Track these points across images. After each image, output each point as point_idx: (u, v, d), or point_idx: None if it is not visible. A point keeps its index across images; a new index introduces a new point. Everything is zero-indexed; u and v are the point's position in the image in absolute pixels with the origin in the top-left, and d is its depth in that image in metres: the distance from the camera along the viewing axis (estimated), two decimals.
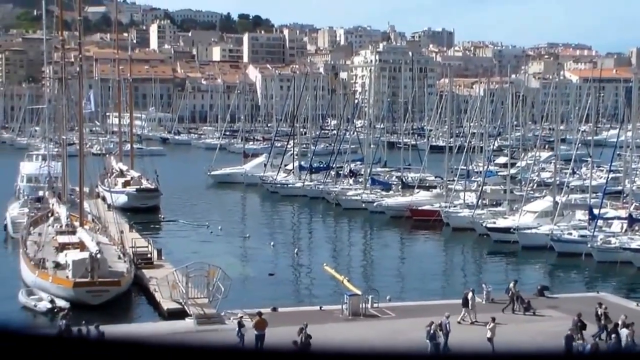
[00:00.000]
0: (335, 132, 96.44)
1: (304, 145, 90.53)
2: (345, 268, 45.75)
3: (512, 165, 71.39)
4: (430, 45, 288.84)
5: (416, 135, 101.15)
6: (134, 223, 53.38)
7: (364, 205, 66.05)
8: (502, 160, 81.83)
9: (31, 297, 36.11)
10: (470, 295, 31.98)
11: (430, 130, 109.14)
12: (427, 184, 70.80)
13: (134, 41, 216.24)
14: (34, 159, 69.99)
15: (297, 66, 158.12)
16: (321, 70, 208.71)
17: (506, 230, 52.27)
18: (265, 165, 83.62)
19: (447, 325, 28.10)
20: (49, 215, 48.83)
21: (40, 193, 56.47)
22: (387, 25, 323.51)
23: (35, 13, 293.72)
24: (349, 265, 48.41)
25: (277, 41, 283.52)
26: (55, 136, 61.16)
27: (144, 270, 39.47)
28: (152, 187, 69.42)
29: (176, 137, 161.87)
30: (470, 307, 31.58)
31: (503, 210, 58.27)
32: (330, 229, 63.97)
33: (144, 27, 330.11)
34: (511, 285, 34.29)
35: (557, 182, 58.16)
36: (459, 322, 30.70)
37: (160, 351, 3.93)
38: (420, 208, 61.84)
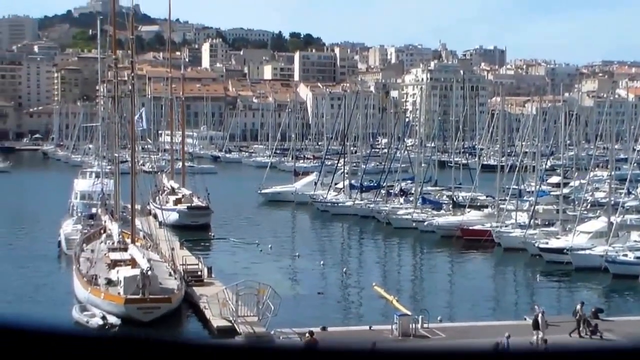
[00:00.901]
0: (385, 150, 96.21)
1: (355, 164, 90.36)
2: (395, 288, 45.42)
3: (565, 184, 70.34)
4: (482, 64, 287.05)
5: (467, 154, 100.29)
6: (185, 240, 53.63)
7: (414, 224, 65.57)
8: (554, 179, 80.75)
9: (84, 313, 36.42)
10: (540, 316, 31.35)
11: (482, 149, 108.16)
12: (479, 204, 70.08)
13: (187, 60, 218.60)
14: (87, 176, 70.85)
15: (347, 84, 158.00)
16: (372, 88, 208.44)
17: (559, 251, 51.44)
18: (315, 183, 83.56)
19: (507, 345, 27.61)
20: (102, 232, 49.33)
21: (93, 210, 57.03)
22: (439, 43, 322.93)
23: (90, 33, 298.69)
24: (399, 285, 48.06)
25: (328, 60, 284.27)
26: (108, 154, 61.90)
27: (194, 288, 39.61)
28: (203, 205, 69.77)
29: (227, 155, 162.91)
30: (540, 329, 30.94)
31: (556, 231, 57.35)
32: (380, 248, 63.64)
33: (197, 46, 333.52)
34: (578, 307, 33.30)
35: (612, 202, 57.15)
36: (531, 344, 30.02)
37: (161, 349, 3.90)
38: (471, 228, 61.17)
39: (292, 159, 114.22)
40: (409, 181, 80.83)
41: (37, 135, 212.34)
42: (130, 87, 51.13)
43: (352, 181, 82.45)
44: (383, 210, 70.92)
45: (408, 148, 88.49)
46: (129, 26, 50.26)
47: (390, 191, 76.94)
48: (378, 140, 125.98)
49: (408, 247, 63.65)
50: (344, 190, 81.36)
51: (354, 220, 73.16)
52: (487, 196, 73.30)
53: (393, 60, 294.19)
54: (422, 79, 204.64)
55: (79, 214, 58.47)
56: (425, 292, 46.97)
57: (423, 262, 58.94)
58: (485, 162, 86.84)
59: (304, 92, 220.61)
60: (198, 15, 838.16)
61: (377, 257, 60.21)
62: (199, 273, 42.23)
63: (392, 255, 61.71)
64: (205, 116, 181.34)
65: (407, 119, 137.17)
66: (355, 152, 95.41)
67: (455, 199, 71.25)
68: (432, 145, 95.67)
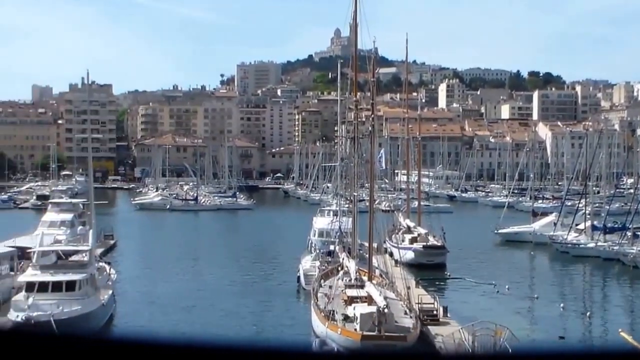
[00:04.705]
0: (631, 191, 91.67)
1: (597, 205, 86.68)
2: None
3: None
4: None
5: None
6: (421, 279, 53.45)
7: None
8: None
9: (323, 348, 37.10)
10: None
11: None
12: None
13: (423, 100, 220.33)
14: (325, 214, 72.70)
15: (590, 123, 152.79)
16: (616, 126, 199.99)
17: None
18: (555, 224, 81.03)
19: None
20: (339, 269, 50.20)
21: (331, 247, 58.22)
22: None
23: (330, 76, 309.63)
24: None
25: (569, 98, 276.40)
26: (346, 192, 63.18)
27: (429, 327, 39.30)
28: (439, 244, 69.44)
29: (463, 194, 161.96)
30: None
31: None
32: (626, 293, 60.12)
33: (433, 87, 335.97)
34: None
35: None
36: None
37: (161, 350, 3.79)
38: None
39: (530, 198, 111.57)
40: None
41: (278, 174, 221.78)
42: (369, 128, 51.92)
43: (595, 222, 79.06)
44: (629, 252, 67.27)
45: None
46: (370, 69, 51.29)
47: (637, 233, 72.94)
48: (623, 180, 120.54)
49: None
50: (585, 232, 78.12)
51: (596, 262, 69.97)
52: None
53: (639, 97, 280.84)
54: None
55: (318, 251, 59.95)
56: None
57: None
58: None
59: (543, 131, 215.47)
60: (435, 56, 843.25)
61: (622, 301, 56.94)
62: (435, 312, 41.87)
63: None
64: (442, 156, 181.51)
65: None
66: (598, 192, 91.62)
67: None
68: None
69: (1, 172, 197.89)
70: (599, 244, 72.54)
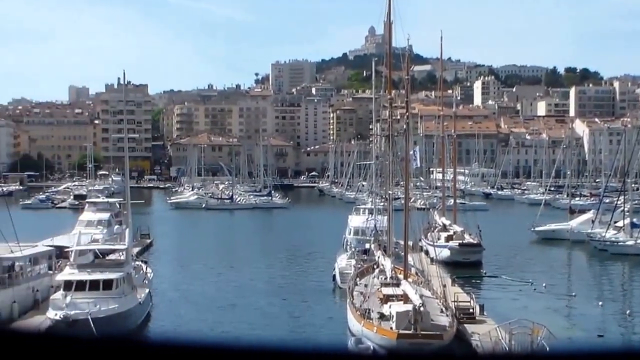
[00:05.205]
0: None
1: (636, 202, 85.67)
2: None
3: None
4: None
5: None
6: (456, 277, 53.16)
7: None
8: None
9: (359, 346, 37.00)
10: None
11: None
12: None
13: (458, 98, 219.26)
14: (361, 212, 72.55)
15: (628, 119, 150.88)
16: None
17: None
18: (592, 221, 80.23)
19: None
20: (375, 267, 50.07)
21: (367, 245, 58.13)
22: None
23: (364, 74, 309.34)
24: None
25: (607, 94, 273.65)
26: (382, 191, 63.01)
27: (465, 325, 39.08)
28: (475, 242, 69.04)
29: (499, 192, 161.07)
30: None
31: None
32: None
33: (468, 84, 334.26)
34: None
35: None
36: None
37: (159, 350, 3.76)
38: None
39: (567, 196, 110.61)
40: None
41: (313, 173, 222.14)
42: (404, 126, 51.73)
43: (634, 219, 78.15)
44: None
45: None
46: (405, 67, 51.10)
47: None
48: None
49: None
50: (624, 229, 77.25)
51: (635, 260, 69.11)
52: None
53: None
54: None
55: (353, 249, 59.86)
56: None
57: None
58: None
59: (580, 127, 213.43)
60: (470, 53, 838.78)
61: None
62: (471, 310, 41.63)
63: None
64: (477, 153, 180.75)
65: None
66: (637, 189, 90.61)
67: None
68: None
69: (39, 172, 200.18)
70: (638, 241, 71.72)
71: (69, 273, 41.81)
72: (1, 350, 3.64)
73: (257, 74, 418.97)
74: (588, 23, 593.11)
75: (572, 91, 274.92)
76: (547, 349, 31.79)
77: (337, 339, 38.87)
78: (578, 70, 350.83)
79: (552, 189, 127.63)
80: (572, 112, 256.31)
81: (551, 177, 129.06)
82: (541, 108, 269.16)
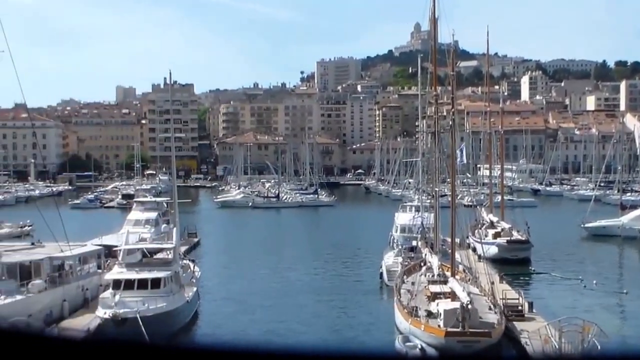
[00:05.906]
0: None
1: None
2: None
3: None
4: None
5: None
6: (505, 274, 52.66)
7: None
8: None
9: (406, 344, 36.79)
10: None
11: None
12: None
13: (505, 93, 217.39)
14: (407, 210, 72.22)
15: None
16: None
17: None
18: None
19: None
20: (422, 264, 49.82)
21: (414, 243, 57.87)
22: None
23: (410, 70, 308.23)
24: None
25: None
26: (428, 188, 62.65)
27: (514, 323, 38.66)
28: (523, 238, 68.32)
29: (547, 188, 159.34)
30: None
31: None
32: None
33: (515, 79, 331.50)
34: None
35: None
36: None
37: (158, 352, 3.70)
38: None
39: (618, 191, 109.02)
40: None
41: (359, 171, 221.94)
42: (450, 122, 51.39)
43: None
44: None
45: None
46: (450, 63, 50.69)
47: None
48: None
49: None
50: None
51: None
52: None
53: None
54: None
55: (400, 247, 59.63)
56: None
57: None
58: None
59: (631, 122, 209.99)
60: (517, 48, 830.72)
61: None
62: (520, 308, 41.19)
63: None
64: (525, 149, 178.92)
65: None
66: None
67: None
68: None
69: (88, 172, 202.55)
70: None
71: (118, 272, 42.19)
72: (2, 350, 3.60)
73: (302, 72, 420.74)
74: (639, 15, 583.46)
75: (623, 85, 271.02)
76: (599, 347, 31.29)
77: (383, 338, 38.66)
78: (629, 64, 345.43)
79: (602, 184, 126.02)
80: (622, 107, 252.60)
81: (601, 172, 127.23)
82: (590, 102, 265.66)
